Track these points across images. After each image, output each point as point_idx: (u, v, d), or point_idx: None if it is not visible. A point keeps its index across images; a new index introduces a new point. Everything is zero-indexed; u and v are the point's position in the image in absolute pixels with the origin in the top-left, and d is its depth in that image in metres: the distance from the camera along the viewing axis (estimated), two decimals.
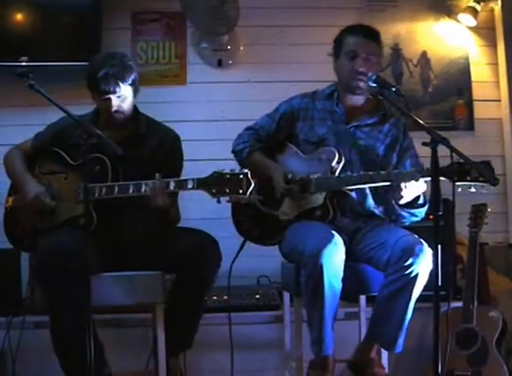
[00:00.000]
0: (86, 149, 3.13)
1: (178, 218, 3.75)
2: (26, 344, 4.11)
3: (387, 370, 3.61)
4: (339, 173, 3.57)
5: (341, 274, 3.32)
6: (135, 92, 3.67)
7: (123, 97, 3.59)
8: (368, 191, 3.63)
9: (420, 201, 3.53)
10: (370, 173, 3.46)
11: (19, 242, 3.73)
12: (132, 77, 3.61)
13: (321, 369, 3.37)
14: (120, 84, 3.54)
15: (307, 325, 3.42)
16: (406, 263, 3.27)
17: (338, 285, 3.31)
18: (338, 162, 3.57)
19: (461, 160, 3.03)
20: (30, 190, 3.58)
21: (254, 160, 3.80)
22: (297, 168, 3.67)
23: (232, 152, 3.91)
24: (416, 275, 3.27)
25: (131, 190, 3.43)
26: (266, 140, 3.84)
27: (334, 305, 3.34)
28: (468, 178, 3.15)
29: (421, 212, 3.59)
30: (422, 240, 3.36)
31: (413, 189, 3.36)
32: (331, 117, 3.73)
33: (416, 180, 3.31)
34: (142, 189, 3.41)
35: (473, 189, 3.19)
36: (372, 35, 3.66)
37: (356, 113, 3.72)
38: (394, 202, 3.52)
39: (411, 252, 3.29)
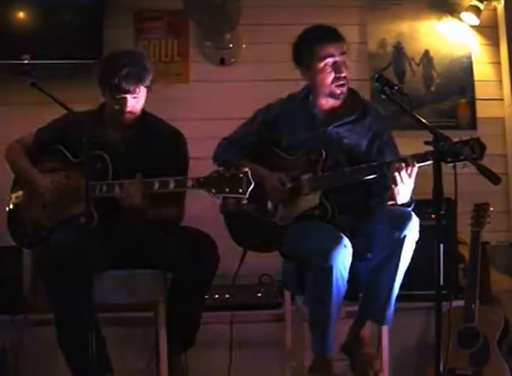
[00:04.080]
0: (87, 148, 3.13)
1: (179, 217, 3.75)
2: (28, 342, 4.12)
3: (387, 367, 3.63)
4: (329, 170, 3.56)
5: (347, 276, 3.32)
6: (148, 93, 3.66)
7: (138, 98, 3.57)
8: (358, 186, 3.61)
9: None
10: (362, 166, 3.46)
11: (21, 240, 3.74)
12: (150, 78, 3.60)
13: (322, 371, 3.38)
14: (140, 85, 3.53)
15: (308, 325, 3.43)
16: (393, 227, 3.30)
17: (344, 287, 3.33)
18: (326, 159, 3.56)
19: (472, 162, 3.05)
20: (43, 180, 3.60)
21: None
22: (285, 170, 3.65)
23: (215, 161, 3.87)
24: (404, 238, 3.30)
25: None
26: (249, 149, 3.81)
27: (338, 307, 3.35)
28: (461, 158, 3.12)
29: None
30: (410, 211, 3.40)
31: (409, 185, 3.36)
32: (311, 120, 3.70)
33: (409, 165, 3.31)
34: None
35: (467, 169, 3.17)
36: (337, 35, 3.63)
37: (336, 113, 3.69)
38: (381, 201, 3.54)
39: (398, 218, 3.34)
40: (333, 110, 3.70)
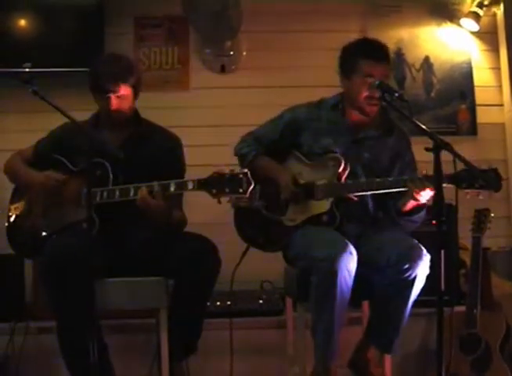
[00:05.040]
0: (88, 154, 3.14)
1: (184, 222, 3.75)
2: (29, 349, 4.12)
3: (389, 373, 3.63)
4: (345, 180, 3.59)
5: (351, 283, 3.33)
6: (136, 94, 3.70)
7: (123, 97, 3.61)
8: (369, 198, 3.65)
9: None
10: (377, 180, 3.48)
11: (21, 249, 3.74)
12: (134, 78, 3.64)
13: None
14: (121, 84, 3.57)
15: (311, 331, 3.43)
16: (404, 267, 3.30)
17: (348, 294, 3.33)
18: (344, 169, 3.58)
19: (469, 168, 3.07)
20: (38, 175, 3.63)
21: (259, 164, 3.80)
22: (302, 173, 3.68)
23: (236, 155, 3.91)
24: (414, 278, 3.31)
25: (131, 194, 3.43)
26: (269, 147, 3.83)
27: (342, 314, 3.35)
28: (476, 186, 3.18)
29: (420, 217, 3.58)
30: (420, 245, 3.40)
31: (424, 198, 3.36)
32: (336, 128, 3.71)
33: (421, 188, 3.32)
34: (131, 194, 3.43)
35: (481, 197, 3.23)
36: (385, 56, 3.63)
37: (362, 126, 3.70)
38: (394, 212, 3.57)
39: (409, 256, 3.33)
40: (360, 122, 3.70)
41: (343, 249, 3.31)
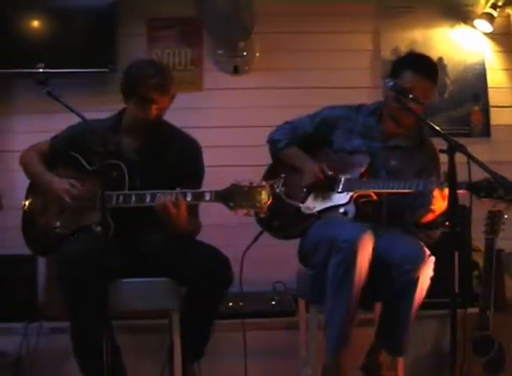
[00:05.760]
0: (104, 155, 3.14)
1: (198, 230, 3.71)
2: (42, 350, 4.13)
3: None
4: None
5: (367, 269, 3.36)
6: (170, 104, 3.70)
7: (163, 108, 3.63)
8: (386, 200, 3.65)
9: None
10: (399, 181, 3.51)
11: (35, 247, 3.74)
12: (174, 91, 3.66)
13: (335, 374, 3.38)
14: (166, 96, 3.60)
15: (324, 323, 3.43)
16: (406, 268, 3.33)
17: (364, 278, 3.35)
18: (368, 170, 3.65)
19: (491, 178, 3.09)
20: (60, 183, 3.58)
21: (288, 153, 3.90)
22: (329, 167, 3.71)
23: (268, 141, 3.98)
24: (416, 279, 3.33)
25: (148, 199, 3.42)
26: (302, 139, 3.89)
27: (356, 303, 3.36)
28: (494, 196, 3.20)
29: (435, 235, 3.64)
30: (425, 248, 3.42)
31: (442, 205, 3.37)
32: (369, 132, 3.77)
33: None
34: (147, 200, 3.41)
35: (497, 208, 3.25)
36: (431, 74, 3.64)
37: (394, 134, 3.76)
38: (412, 224, 3.61)
39: (412, 258, 3.36)
40: (393, 132, 3.75)
41: (363, 232, 3.35)
